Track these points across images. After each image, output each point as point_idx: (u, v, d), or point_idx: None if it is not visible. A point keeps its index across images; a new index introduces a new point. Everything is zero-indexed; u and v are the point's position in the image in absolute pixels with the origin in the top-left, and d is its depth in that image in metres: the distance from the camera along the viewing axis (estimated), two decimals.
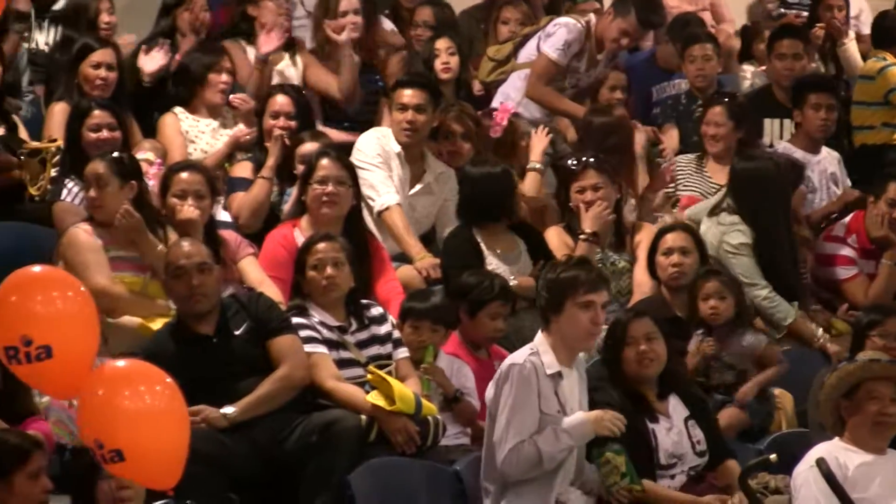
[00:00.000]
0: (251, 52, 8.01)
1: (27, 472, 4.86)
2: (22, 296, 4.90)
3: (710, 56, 8.42)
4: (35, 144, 7.28)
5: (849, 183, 8.36)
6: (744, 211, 7.30)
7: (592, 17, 8.47)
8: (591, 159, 7.36)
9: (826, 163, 8.16)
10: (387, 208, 7.19)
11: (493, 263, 6.92)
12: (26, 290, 4.93)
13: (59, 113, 7.42)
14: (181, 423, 4.99)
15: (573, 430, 5.58)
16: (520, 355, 5.66)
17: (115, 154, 6.57)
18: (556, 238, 7.30)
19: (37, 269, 5.24)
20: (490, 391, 5.68)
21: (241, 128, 7.55)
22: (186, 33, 8.08)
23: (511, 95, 8.23)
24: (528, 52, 8.37)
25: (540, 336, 5.68)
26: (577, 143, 7.89)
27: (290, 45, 8.14)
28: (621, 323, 6.05)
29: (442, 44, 8.25)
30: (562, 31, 8.12)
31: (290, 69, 8.11)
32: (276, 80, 7.97)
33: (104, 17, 8.00)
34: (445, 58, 8.20)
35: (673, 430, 5.90)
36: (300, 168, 7.00)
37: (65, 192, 6.87)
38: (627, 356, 5.93)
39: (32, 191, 7.14)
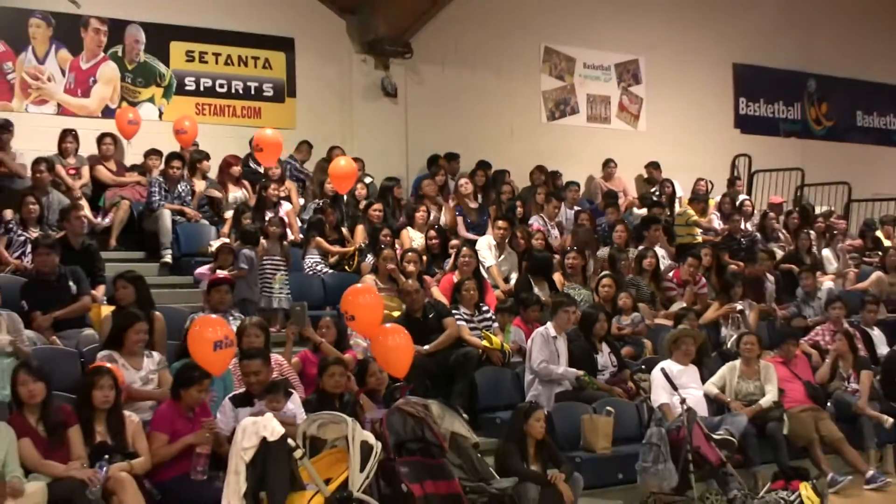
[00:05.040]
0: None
1: (332, 372, 7.94)
2: (352, 295, 8.72)
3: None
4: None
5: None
6: None
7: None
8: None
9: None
10: (489, 267, 11.71)
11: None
12: (354, 294, 8.76)
13: None
14: (410, 350, 8.51)
15: (567, 373, 9.48)
16: (542, 328, 9.76)
17: None
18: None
19: (359, 285, 9.39)
20: (529, 342, 9.76)
21: None
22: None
23: None
24: None
25: (549, 323, 9.82)
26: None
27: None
28: (592, 315, 10.08)
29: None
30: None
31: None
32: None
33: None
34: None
35: (604, 356, 10.25)
36: (454, 245, 11.80)
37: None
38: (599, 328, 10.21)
39: None
